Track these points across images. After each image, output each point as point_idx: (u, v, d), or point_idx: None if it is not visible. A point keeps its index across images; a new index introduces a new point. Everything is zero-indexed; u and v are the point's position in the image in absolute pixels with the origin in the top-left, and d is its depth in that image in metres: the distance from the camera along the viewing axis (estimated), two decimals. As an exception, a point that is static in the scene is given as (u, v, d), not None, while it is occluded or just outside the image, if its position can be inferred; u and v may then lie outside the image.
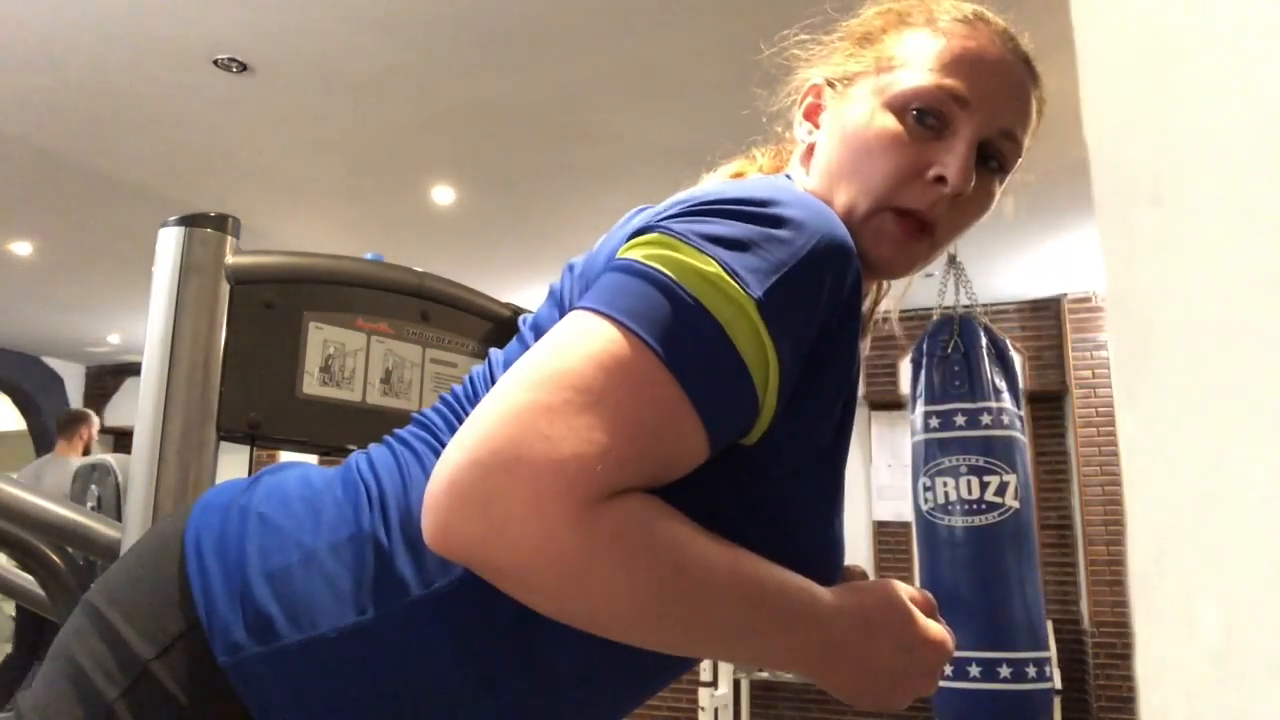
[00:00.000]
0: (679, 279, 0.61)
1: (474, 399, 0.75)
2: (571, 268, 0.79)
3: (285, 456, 4.62)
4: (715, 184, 0.76)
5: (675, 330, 0.60)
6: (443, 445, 0.72)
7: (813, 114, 0.86)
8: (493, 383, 0.74)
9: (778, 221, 0.65)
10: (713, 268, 0.61)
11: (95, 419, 5.15)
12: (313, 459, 3.96)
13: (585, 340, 0.60)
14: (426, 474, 0.70)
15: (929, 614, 0.73)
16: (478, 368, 0.80)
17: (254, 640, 0.65)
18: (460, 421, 0.73)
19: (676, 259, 0.62)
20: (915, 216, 0.77)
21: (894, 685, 0.69)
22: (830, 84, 0.85)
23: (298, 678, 0.65)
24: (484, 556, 0.57)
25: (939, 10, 0.81)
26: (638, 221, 0.71)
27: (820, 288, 0.65)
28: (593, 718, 0.75)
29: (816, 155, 0.83)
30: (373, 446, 0.78)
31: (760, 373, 0.62)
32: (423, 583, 0.66)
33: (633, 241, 0.67)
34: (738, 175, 0.90)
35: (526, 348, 0.70)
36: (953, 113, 0.76)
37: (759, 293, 0.61)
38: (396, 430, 0.78)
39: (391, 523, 0.68)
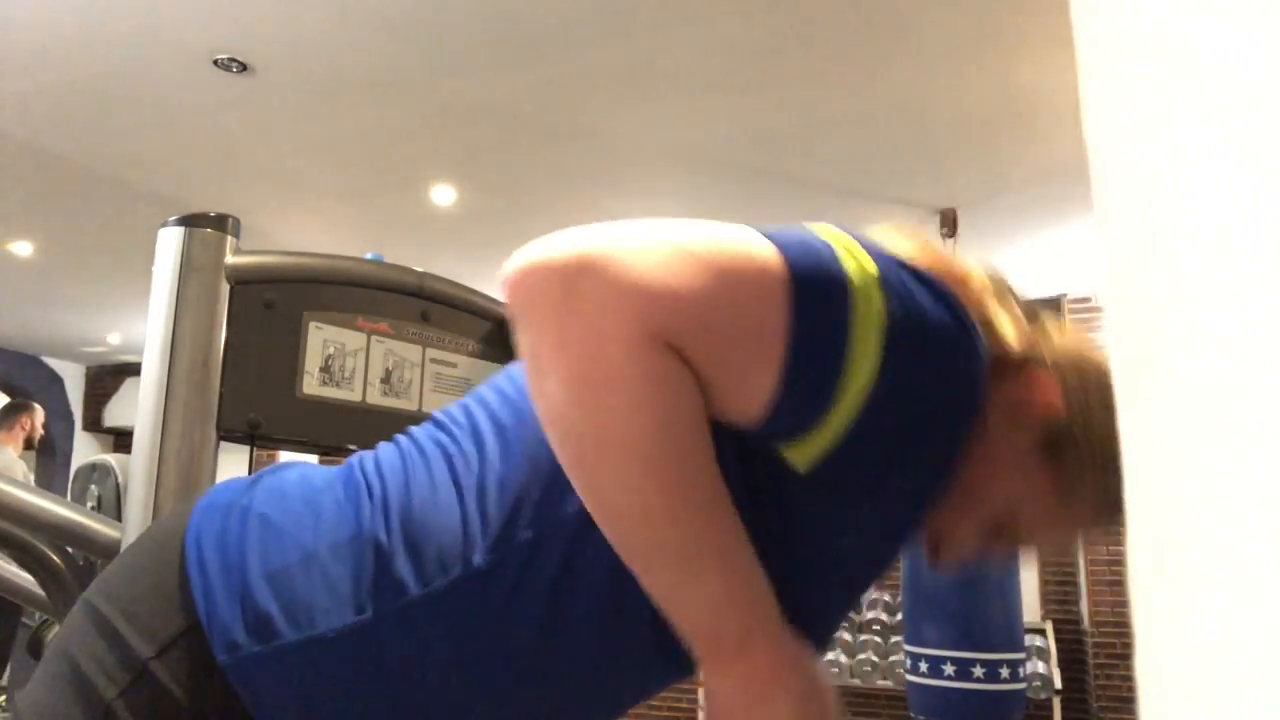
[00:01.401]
0: (842, 258, 0.63)
1: (497, 406, 0.74)
2: None
3: (285, 456, 4.62)
4: None
5: (818, 285, 0.61)
6: (460, 451, 0.71)
7: (1029, 416, 0.73)
8: (518, 394, 0.73)
9: (944, 298, 0.64)
10: (872, 269, 0.63)
11: (39, 411, 4.73)
12: (313, 459, 3.96)
13: (747, 235, 0.62)
14: (434, 481, 0.70)
15: None
16: (499, 379, 0.79)
17: (253, 640, 0.65)
18: (481, 431, 0.72)
19: (851, 246, 0.64)
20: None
21: None
22: (1054, 434, 0.73)
23: (296, 677, 0.65)
24: (542, 317, 0.59)
25: (1116, 500, 0.78)
26: None
27: (949, 362, 0.64)
28: (588, 716, 0.75)
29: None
30: (381, 446, 0.78)
31: (853, 377, 0.61)
32: (421, 582, 0.66)
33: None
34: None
35: None
36: None
37: (896, 313, 0.62)
38: (411, 429, 0.78)
39: (392, 524, 0.68)
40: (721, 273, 0.59)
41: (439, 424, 0.76)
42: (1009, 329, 0.71)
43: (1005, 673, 3.87)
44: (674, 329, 0.58)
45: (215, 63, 3.42)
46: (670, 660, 0.72)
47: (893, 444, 0.64)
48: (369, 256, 1.52)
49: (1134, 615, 0.27)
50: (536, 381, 0.62)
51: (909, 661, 4.05)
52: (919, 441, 0.65)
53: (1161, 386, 0.26)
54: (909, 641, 4.08)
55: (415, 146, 4.11)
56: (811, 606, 0.70)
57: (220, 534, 0.70)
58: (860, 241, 0.65)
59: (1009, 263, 0.82)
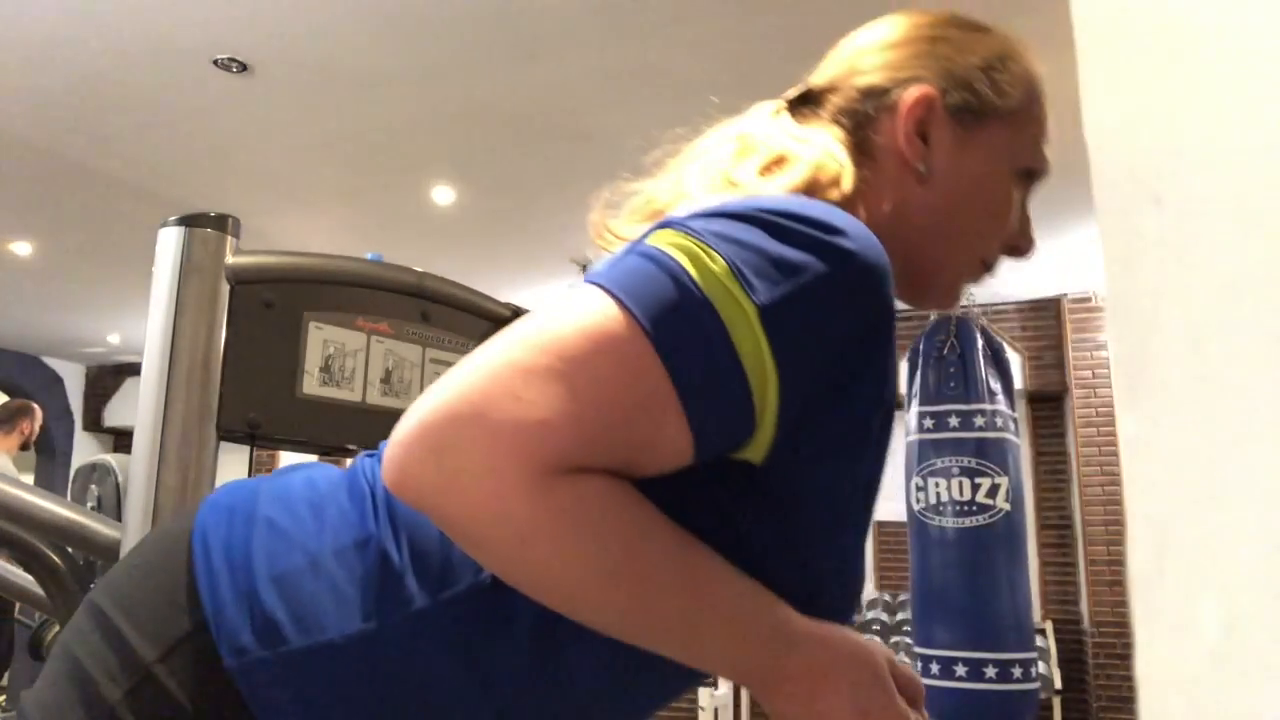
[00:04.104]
0: (688, 271, 0.60)
1: None
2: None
3: (285, 456, 4.62)
4: (749, 191, 0.72)
5: (674, 318, 0.58)
6: None
7: (922, 130, 0.76)
8: None
9: (803, 240, 0.62)
10: (720, 265, 0.60)
11: (38, 413, 4.61)
12: (313, 459, 3.96)
13: (579, 311, 0.59)
14: None
15: (911, 698, 0.69)
16: None
17: (260, 644, 0.65)
18: None
19: (692, 248, 0.61)
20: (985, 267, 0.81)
21: None
22: (951, 109, 0.76)
23: (303, 682, 0.65)
24: (434, 504, 0.56)
25: (1034, 69, 0.81)
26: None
27: (839, 314, 0.62)
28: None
29: (907, 188, 0.75)
30: (383, 446, 0.77)
31: (759, 382, 0.60)
32: (429, 591, 0.66)
33: (653, 232, 0.65)
34: (779, 161, 0.75)
35: None
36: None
37: (763, 299, 0.59)
38: None
39: (400, 529, 0.68)
40: (580, 368, 0.56)
41: None
42: (835, 147, 0.74)
43: (1018, 672, 3.86)
44: (562, 453, 0.55)
45: (215, 63, 3.42)
46: (685, 668, 0.72)
47: (832, 389, 0.63)
48: (369, 256, 1.52)
49: (1134, 615, 0.27)
50: (474, 553, 0.60)
51: (919, 665, 4.03)
52: (856, 364, 0.64)
53: (1161, 386, 0.26)
54: (918, 644, 4.06)
55: (415, 146, 4.11)
56: (831, 568, 0.70)
57: (226, 537, 0.70)
58: (700, 234, 0.62)
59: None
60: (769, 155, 0.75)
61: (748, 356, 0.59)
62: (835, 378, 0.63)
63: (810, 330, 0.61)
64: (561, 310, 0.59)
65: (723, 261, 0.60)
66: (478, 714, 0.68)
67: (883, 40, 0.80)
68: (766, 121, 0.80)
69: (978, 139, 0.77)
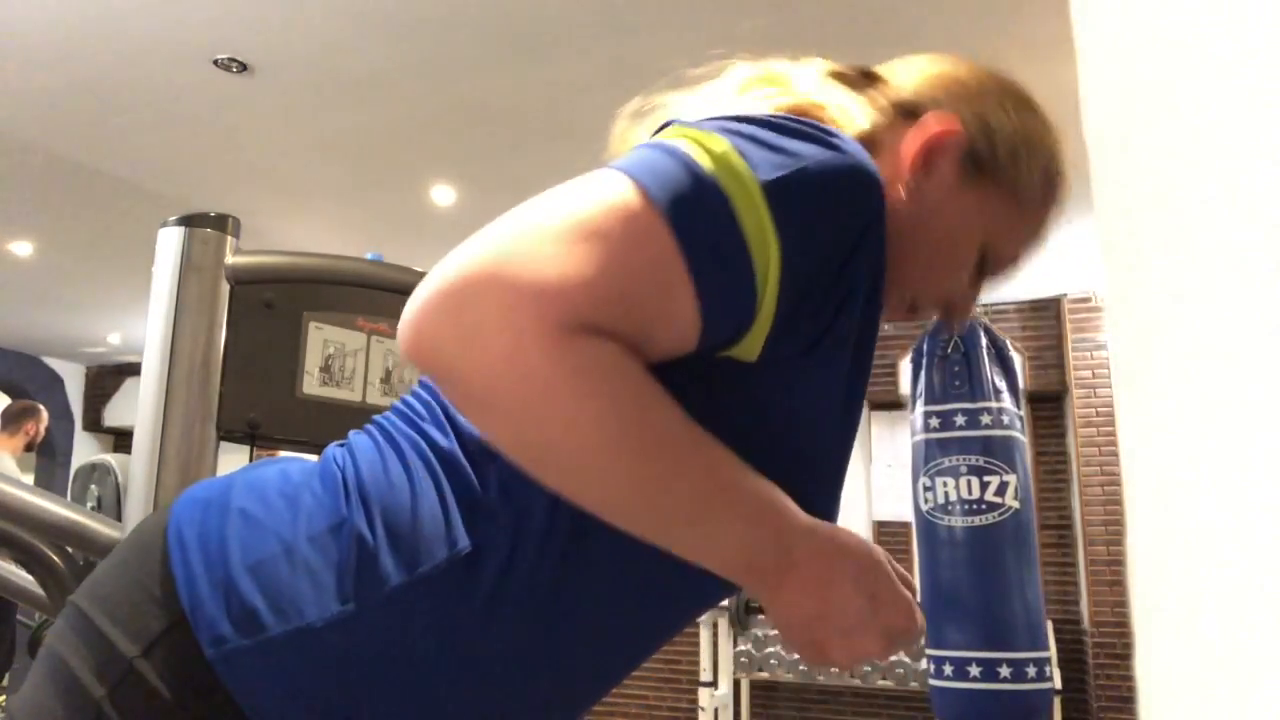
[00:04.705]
0: (692, 154, 0.62)
1: None
2: None
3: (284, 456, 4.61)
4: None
5: (683, 195, 0.60)
6: (426, 435, 0.72)
7: (932, 154, 0.75)
8: None
9: (803, 134, 0.64)
10: (722, 146, 0.62)
11: (44, 414, 4.58)
12: (311, 459, 3.96)
13: (596, 186, 0.61)
14: (408, 467, 0.70)
15: (909, 588, 0.70)
16: None
17: (239, 633, 0.65)
18: (451, 413, 0.72)
19: (695, 135, 0.63)
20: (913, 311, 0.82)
21: (841, 631, 0.65)
22: (966, 153, 0.76)
23: (284, 668, 0.65)
24: (450, 362, 0.57)
25: (1061, 179, 0.80)
26: None
27: (838, 201, 0.64)
28: (573, 695, 0.75)
29: (891, 195, 0.71)
30: (352, 435, 0.78)
31: (761, 259, 0.61)
32: (404, 568, 0.66)
33: (659, 131, 0.68)
34: (803, 107, 0.77)
35: None
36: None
37: (766, 176, 0.61)
38: (376, 418, 0.78)
39: (372, 513, 0.68)
40: (595, 236, 0.58)
41: (405, 411, 0.75)
42: (861, 112, 0.76)
43: (1032, 671, 3.84)
44: (581, 312, 0.57)
45: (215, 63, 3.42)
46: (668, 629, 0.73)
47: (823, 283, 0.65)
48: (369, 256, 1.52)
49: (1134, 615, 0.27)
50: (483, 426, 0.61)
51: (932, 666, 4.01)
52: (845, 262, 0.65)
53: (1161, 386, 0.26)
54: (931, 645, 4.04)
55: (415, 146, 4.11)
56: (817, 471, 0.71)
57: (201, 529, 0.70)
58: (705, 123, 0.65)
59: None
60: (797, 98, 0.77)
61: (751, 233, 0.60)
62: (827, 270, 0.65)
63: (810, 212, 0.63)
64: (578, 186, 0.62)
65: (726, 143, 0.62)
66: (458, 688, 0.68)
67: (939, 70, 0.81)
68: (809, 73, 0.81)
69: (972, 192, 0.77)
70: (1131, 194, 0.28)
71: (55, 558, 1.49)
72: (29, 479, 7.08)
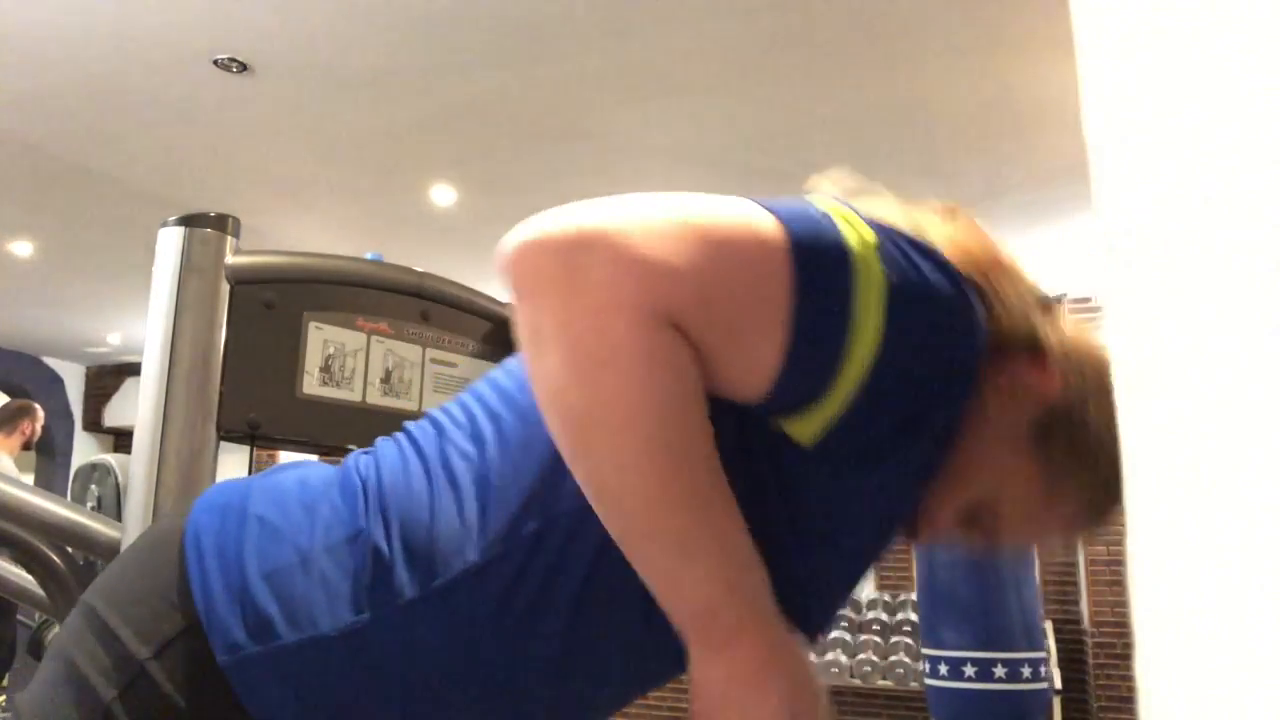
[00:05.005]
0: (840, 226, 0.62)
1: (494, 403, 0.74)
2: None
3: (285, 456, 4.62)
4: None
5: (818, 254, 0.61)
6: (458, 450, 0.71)
7: (1029, 392, 0.71)
8: (516, 389, 0.73)
9: (943, 269, 0.64)
10: (871, 238, 0.62)
11: (40, 413, 4.47)
12: (313, 459, 3.95)
13: (741, 205, 0.62)
14: (431, 481, 0.70)
15: None
16: (497, 374, 0.78)
17: (253, 640, 0.65)
18: (479, 428, 0.72)
19: (849, 216, 0.64)
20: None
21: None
22: (1055, 415, 0.71)
23: (296, 677, 0.66)
24: (540, 290, 0.59)
25: (1107, 499, 0.74)
26: None
27: (949, 328, 0.64)
28: (583, 707, 0.75)
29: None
30: (379, 443, 0.77)
31: (858, 345, 0.61)
32: (419, 581, 0.66)
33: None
34: None
35: None
36: None
37: (896, 280, 0.61)
38: (409, 426, 0.77)
39: (390, 525, 0.68)
40: (723, 245, 0.59)
41: (436, 421, 0.75)
42: (1013, 304, 0.70)
43: (1027, 672, 3.84)
44: (678, 305, 0.58)
45: (215, 63, 3.42)
46: (671, 654, 0.71)
47: (895, 412, 0.64)
48: (369, 256, 1.52)
49: (1134, 615, 0.27)
50: (536, 359, 0.61)
51: (928, 665, 4.01)
52: (921, 408, 0.65)
53: (1161, 386, 0.26)
54: (927, 645, 4.05)
55: (415, 146, 4.11)
56: (813, 586, 0.70)
57: (218, 535, 0.70)
58: (858, 213, 0.65)
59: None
60: (975, 260, 0.71)
61: (859, 317, 0.61)
62: (919, 398, 0.64)
63: (920, 330, 0.63)
64: (721, 199, 0.63)
65: (874, 237, 0.63)
66: (468, 699, 0.68)
67: (1092, 349, 0.75)
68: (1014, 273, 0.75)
69: (1040, 452, 0.72)
70: (1131, 194, 0.28)
71: (55, 558, 1.49)
72: (29, 479, 7.08)
